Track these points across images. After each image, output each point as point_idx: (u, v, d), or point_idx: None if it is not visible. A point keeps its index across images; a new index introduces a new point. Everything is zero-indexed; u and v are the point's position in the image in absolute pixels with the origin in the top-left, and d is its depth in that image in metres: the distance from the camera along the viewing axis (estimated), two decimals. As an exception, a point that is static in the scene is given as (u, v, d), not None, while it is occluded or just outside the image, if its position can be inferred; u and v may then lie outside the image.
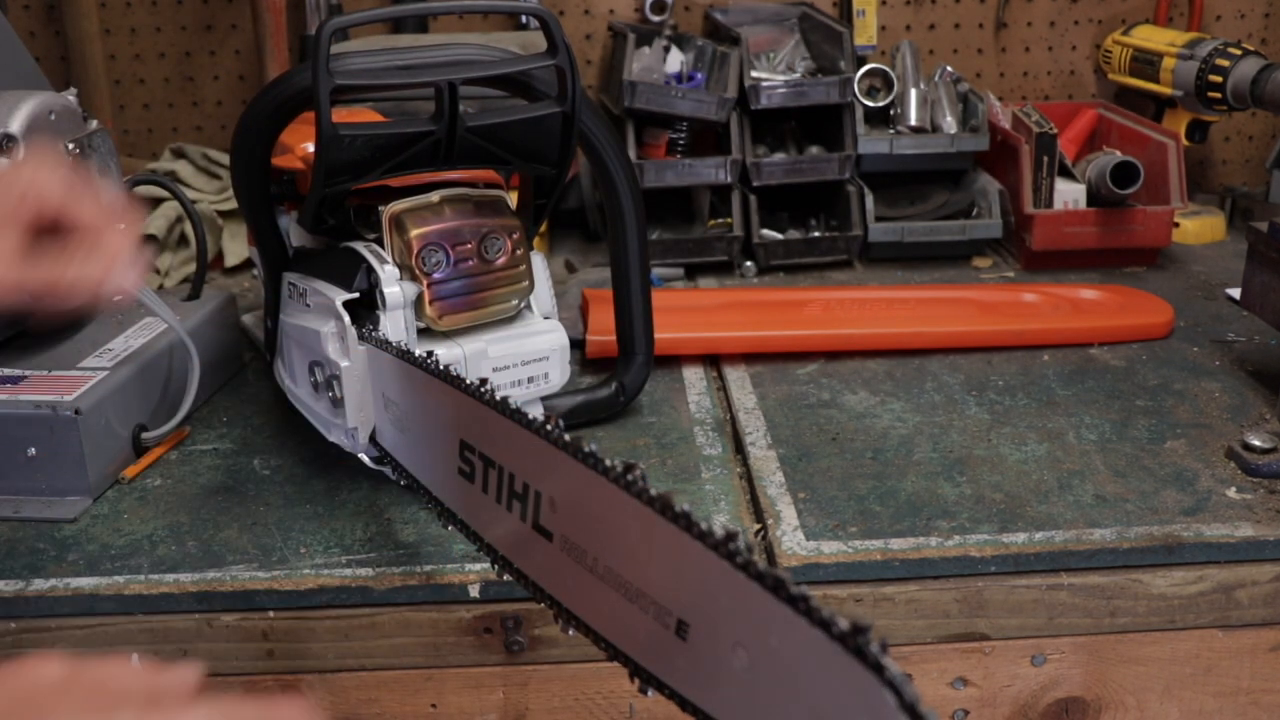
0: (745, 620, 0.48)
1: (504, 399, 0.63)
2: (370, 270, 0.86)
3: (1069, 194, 1.39)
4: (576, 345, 1.06)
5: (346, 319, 0.83)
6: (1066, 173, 1.42)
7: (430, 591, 0.80)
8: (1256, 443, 0.91)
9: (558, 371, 0.93)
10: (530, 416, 0.61)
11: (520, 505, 0.62)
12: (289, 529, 0.86)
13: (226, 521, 0.87)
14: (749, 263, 1.40)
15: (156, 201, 1.36)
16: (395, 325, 0.85)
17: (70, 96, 1.00)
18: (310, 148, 0.86)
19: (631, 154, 1.39)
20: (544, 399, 0.96)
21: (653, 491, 0.53)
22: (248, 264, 1.41)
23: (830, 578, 0.81)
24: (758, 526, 0.87)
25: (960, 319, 1.20)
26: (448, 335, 0.89)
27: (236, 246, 1.41)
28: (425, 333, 0.89)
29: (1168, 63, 1.50)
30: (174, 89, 1.67)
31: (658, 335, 1.03)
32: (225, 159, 1.45)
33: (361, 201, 0.90)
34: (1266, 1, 1.67)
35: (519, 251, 0.90)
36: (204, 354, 1.00)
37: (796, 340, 1.16)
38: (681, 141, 1.44)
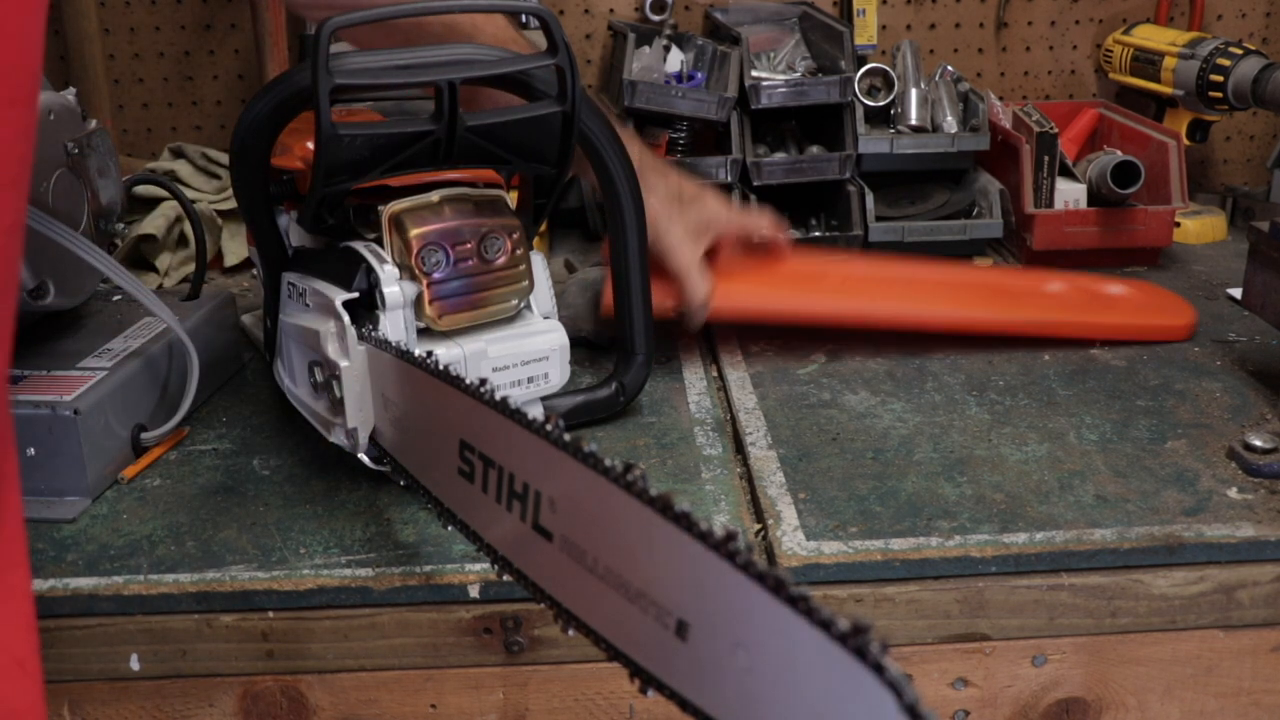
0: (745, 620, 0.48)
1: (504, 399, 0.63)
2: (370, 270, 0.86)
3: (1070, 194, 1.39)
4: (577, 343, 1.06)
5: (346, 319, 0.83)
6: (1067, 172, 1.42)
7: (430, 592, 0.80)
8: (1258, 443, 0.91)
9: (557, 371, 0.93)
10: (530, 416, 0.61)
11: (520, 505, 0.62)
12: (288, 529, 0.86)
13: (226, 522, 0.87)
14: (749, 262, 1.40)
15: (156, 201, 1.36)
16: (395, 325, 0.85)
17: (69, 96, 1.00)
18: (310, 147, 0.86)
19: (631, 154, 1.38)
20: (544, 399, 0.96)
21: (653, 491, 0.52)
22: (247, 264, 1.40)
23: (830, 578, 0.81)
24: (758, 527, 0.86)
25: (978, 303, 1.18)
26: (447, 335, 0.89)
27: (236, 246, 1.41)
28: (425, 333, 0.89)
29: (1169, 62, 1.50)
30: (173, 88, 1.67)
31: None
32: (224, 159, 1.45)
33: (361, 201, 0.90)
34: (1268, 1, 1.67)
35: (519, 251, 0.90)
36: (203, 354, 1.00)
37: (806, 316, 1.14)
38: (682, 141, 1.43)
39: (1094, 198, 1.38)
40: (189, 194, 1.36)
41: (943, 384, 1.08)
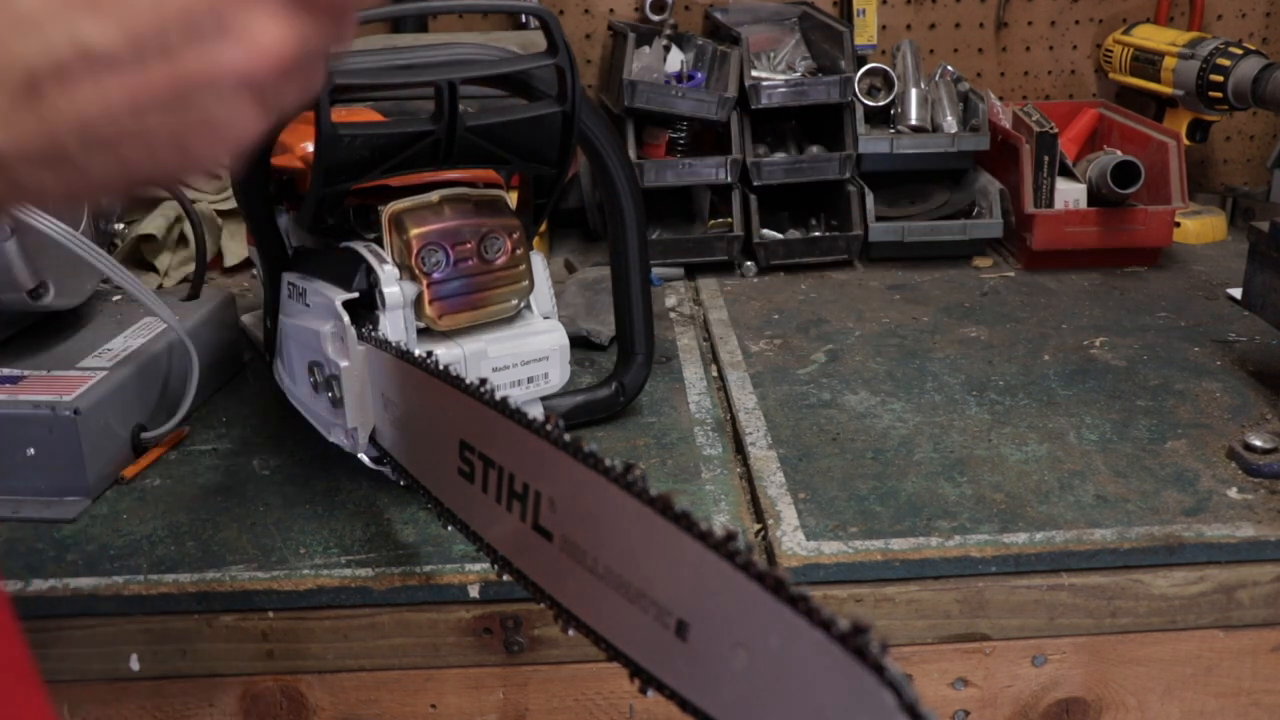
0: (745, 620, 0.48)
1: (504, 399, 0.63)
2: (370, 270, 0.86)
3: (1070, 193, 1.39)
4: (576, 343, 1.06)
5: (346, 319, 0.83)
6: (1067, 172, 1.42)
7: (430, 592, 0.80)
8: (1258, 443, 0.91)
9: (557, 371, 0.93)
10: (530, 416, 0.61)
11: (520, 505, 0.62)
12: (288, 529, 0.86)
13: (226, 521, 0.87)
14: (749, 262, 1.40)
15: (155, 201, 1.36)
16: (395, 325, 0.85)
17: (69, 96, 1.00)
18: (310, 147, 0.86)
19: (631, 154, 1.39)
20: (544, 399, 0.96)
21: (653, 491, 0.52)
22: (247, 264, 1.40)
23: (830, 578, 0.81)
24: (758, 527, 0.86)
25: None
26: (447, 335, 0.89)
27: (236, 246, 1.41)
28: (425, 333, 0.89)
29: (1169, 62, 1.50)
30: (174, 89, 1.66)
31: None
32: (225, 159, 1.45)
33: (361, 201, 0.90)
34: (1268, 1, 1.67)
35: (519, 251, 0.90)
36: (203, 354, 1.00)
37: None
38: (682, 141, 1.43)
39: (1094, 198, 1.39)
40: (189, 194, 1.35)
41: (943, 384, 1.08)
